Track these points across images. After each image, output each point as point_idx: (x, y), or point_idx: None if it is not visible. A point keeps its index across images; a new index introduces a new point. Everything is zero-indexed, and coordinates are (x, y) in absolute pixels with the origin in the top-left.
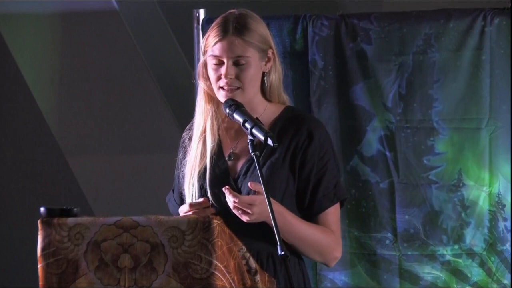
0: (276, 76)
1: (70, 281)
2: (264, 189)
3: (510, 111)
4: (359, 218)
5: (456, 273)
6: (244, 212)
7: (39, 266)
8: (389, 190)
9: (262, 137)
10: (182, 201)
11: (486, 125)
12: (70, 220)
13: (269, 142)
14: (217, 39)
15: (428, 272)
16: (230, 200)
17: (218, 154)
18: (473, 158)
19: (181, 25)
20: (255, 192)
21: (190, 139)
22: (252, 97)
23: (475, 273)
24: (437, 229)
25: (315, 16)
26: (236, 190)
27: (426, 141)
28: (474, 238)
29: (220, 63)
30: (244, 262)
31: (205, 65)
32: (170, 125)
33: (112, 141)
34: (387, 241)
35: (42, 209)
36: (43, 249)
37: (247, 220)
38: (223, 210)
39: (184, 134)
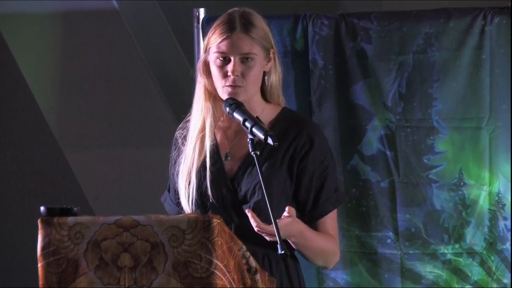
0: (276, 77)
1: (70, 280)
2: (264, 188)
3: (510, 110)
4: (360, 217)
5: (457, 272)
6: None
7: (39, 265)
8: (389, 189)
9: (262, 136)
10: (178, 200)
11: (486, 124)
12: (70, 219)
13: (269, 141)
14: (224, 36)
15: (430, 271)
16: (253, 223)
17: (215, 154)
18: (473, 157)
19: (181, 25)
20: (253, 193)
21: (184, 138)
22: (253, 96)
23: (476, 272)
24: (438, 228)
25: (315, 15)
26: (232, 189)
27: (426, 140)
28: (474, 237)
29: (226, 60)
30: (244, 261)
31: (206, 62)
32: (170, 124)
33: (112, 140)
34: (389, 240)
35: (42, 208)
36: (43, 248)
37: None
38: (221, 210)
39: (177, 133)
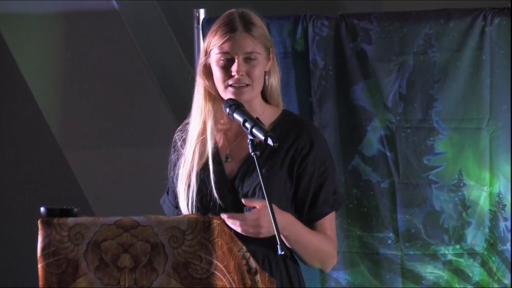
0: (275, 77)
1: (70, 281)
2: (264, 189)
3: (510, 111)
4: (361, 217)
5: (458, 272)
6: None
7: (39, 266)
8: (390, 190)
9: (262, 137)
10: (177, 203)
11: (487, 125)
12: (70, 220)
13: (269, 142)
14: (227, 37)
15: (431, 271)
16: (236, 224)
17: (215, 155)
18: (473, 158)
19: (181, 25)
20: (254, 195)
21: (183, 140)
22: (255, 96)
23: (476, 273)
24: (438, 229)
25: (315, 16)
26: (233, 191)
27: (426, 141)
28: (475, 238)
29: (229, 61)
30: (244, 262)
31: (206, 64)
32: (170, 124)
33: (112, 141)
34: (389, 241)
35: (42, 209)
36: (43, 249)
37: (261, 235)
38: (221, 212)
39: (175, 135)
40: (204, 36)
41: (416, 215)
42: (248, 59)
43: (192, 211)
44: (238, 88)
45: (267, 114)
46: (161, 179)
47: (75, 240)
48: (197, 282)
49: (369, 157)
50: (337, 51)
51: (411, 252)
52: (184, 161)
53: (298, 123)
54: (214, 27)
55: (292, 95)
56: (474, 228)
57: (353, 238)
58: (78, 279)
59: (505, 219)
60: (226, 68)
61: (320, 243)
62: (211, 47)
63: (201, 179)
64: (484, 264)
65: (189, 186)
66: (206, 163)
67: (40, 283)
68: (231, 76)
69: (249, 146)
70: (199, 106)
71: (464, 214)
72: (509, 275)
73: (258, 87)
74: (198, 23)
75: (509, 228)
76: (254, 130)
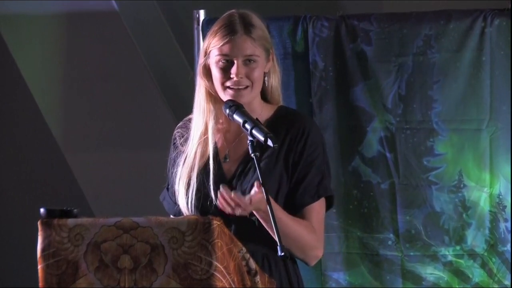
0: (275, 78)
1: (70, 282)
2: (265, 191)
3: (510, 111)
4: (361, 218)
5: (458, 273)
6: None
7: (39, 267)
8: (390, 191)
9: (262, 138)
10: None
11: (487, 126)
12: (70, 221)
13: (269, 143)
14: (227, 39)
15: (431, 272)
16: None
17: (214, 155)
18: (473, 159)
19: (181, 26)
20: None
21: (183, 138)
22: (255, 96)
23: (477, 274)
24: (438, 230)
25: (315, 17)
26: (231, 190)
27: (426, 142)
28: (475, 239)
29: (229, 63)
30: (244, 263)
31: (206, 65)
32: (170, 125)
33: (112, 141)
34: (390, 242)
35: (42, 210)
36: (43, 250)
37: (240, 212)
38: (219, 212)
39: (175, 132)
40: (204, 37)
41: (416, 216)
42: (247, 61)
43: (191, 210)
44: (237, 90)
45: (265, 113)
46: (161, 180)
47: (75, 241)
48: (197, 283)
49: (369, 158)
50: (337, 52)
51: (412, 253)
52: (185, 160)
53: (290, 115)
54: (214, 27)
55: (292, 96)
56: (474, 229)
57: (353, 239)
58: (78, 280)
59: (505, 220)
60: (225, 70)
61: (299, 229)
62: (210, 48)
63: (201, 179)
64: (484, 265)
65: (189, 185)
66: (206, 163)
67: (40, 284)
68: (230, 78)
69: (249, 147)
70: (201, 107)
71: (464, 215)
72: (510, 276)
73: (257, 89)
74: (198, 24)
75: (509, 229)
76: (254, 131)
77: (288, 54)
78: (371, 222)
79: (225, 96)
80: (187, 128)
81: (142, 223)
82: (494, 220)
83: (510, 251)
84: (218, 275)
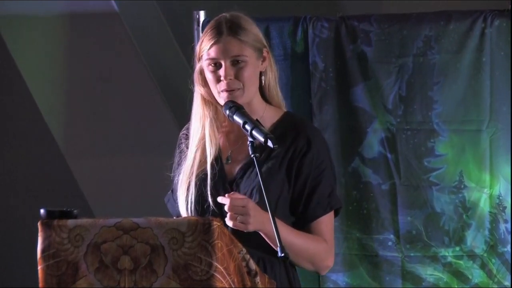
0: (272, 75)
1: (70, 283)
2: (264, 190)
3: (510, 112)
4: (361, 219)
5: (457, 274)
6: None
7: (39, 267)
8: (390, 191)
9: (262, 139)
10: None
11: (487, 127)
12: (70, 222)
13: (269, 143)
14: (212, 42)
15: (431, 273)
16: (225, 202)
17: (216, 157)
18: (473, 160)
19: (181, 26)
20: (251, 197)
21: (188, 141)
22: (252, 97)
23: (476, 275)
24: (438, 231)
25: (315, 18)
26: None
27: (427, 143)
28: (475, 240)
29: (217, 66)
30: (244, 264)
31: (201, 71)
32: (169, 125)
33: (112, 142)
34: (390, 243)
35: (42, 210)
36: (43, 251)
37: (245, 228)
38: (220, 214)
39: (181, 135)
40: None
41: (417, 216)
42: (235, 62)
43: (190, 213)
44: (230, 92)
45: (268, 115)
46: (160, 180)
47: (75, 242)
48: (197, 283)
49: (369, 159)
50: (337, 53)
51: (412, 254)
52: (185, 166)
53: (297, 124)
54: (203, 32)
55: (292, 97)
56: (474, 230)
57: (352, 240)
58: (78, 281)
59: (505, 221)
60: (215, 73)
61: (307, 242)
62: (201, 53)
63: (200, 183)
64: (484, 266)
65: (188, 189)
66: (205, 168)
67: (40, 284)
68: (221, 81)
69: (249, 148)
70: (198, 113)
71: (464, 216)
72: (509, 277)
73: (250, 90)
74: (198, 25)
75: (509, 230)
76: (254, 132)
77: (288, 55)
78: (370, 223)
79: (220, 99)
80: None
81: (142, 224)
82: (494, 221)
83: (510, 252)
84: (218, 276)
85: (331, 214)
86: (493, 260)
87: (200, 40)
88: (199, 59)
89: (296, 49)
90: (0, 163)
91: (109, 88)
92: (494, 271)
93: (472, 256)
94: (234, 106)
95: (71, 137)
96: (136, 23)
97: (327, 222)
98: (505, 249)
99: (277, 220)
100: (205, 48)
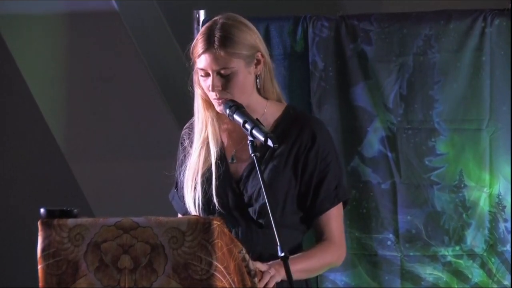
0: (267, 75)
1: (70, 282)
2: (264, 189)
3: (510, 112)
4: (360, 219)
5: (457, 274)
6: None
7: (39, 267)
8: (391, 191)
9: (262, 138)
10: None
11: (487, 126)
12: (70, 221)
13: (269, 143)
14: (200, 52)
15: (430, 273)
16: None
17: (220, 157)
18: (473, 159)
19: (181, 26)
20: (258, 196)
21: (190, 139)
22: (247, 101)
23: (476, 274)
24: (439, 230)
25: (315, 17)
26: (238, 192)
27: (427, 142)
28: (475, 239)
29: (206, 75)
30: (244, 263)
31: (197, 72)
32: (169, 125)
33: (112, 141)
34: (389, 242)
35: (42, 210)
36: (43, 250)
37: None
38: (227, 214)
39: (183, 132)
40: None
41: (418, 216)
42: (222, 73)
43: (199, 213)
44: (220, 102)
45: (270, 112)
46: (160, 181)
47: (75, 241)
48: (197, 283)
49: (369, 158)
50: (337, 52)
51: (411, 253)
52: (189, 165)
53: (300, 118)
54: (197, 35)
55: (291, 96)
56: (474, 229)
57: (352, 240)
58: (78, 280)
59: (505, 220)
60: (205, 81)
61: (320, 260)
62: (193, 58)
63: (206, 182)
64: (483, 266)
65: (195, 188)
66: (210, 167)
67: (40, 284)
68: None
69: (249, 147)
70: (199, 114)
71: (464, 215)
72: (509, 276)
73: (241, 97)
74: (198, 24)
75: (509, 229)
76: (254, 131)
77: (287, 54)
78: (370, 223)
79: (214, 105)
80: (193, 128)
81: (142, 223)
82: (494, 220)
83: (509, 251)
84: (218, 275)
85: (340, 206)
86: (493, 260)
87: (194, 44)
88: (194, 62)
89: (296, 48)
90: (0, 163)
91: (109, 87)
92: (494, 271)
93: (471, 255)
94: (234, 105)
95: (71, 136)
96: (136, 23)
97: (335, 214)
98: (505, 248)
99: (294, 263)
100: (196, 54)
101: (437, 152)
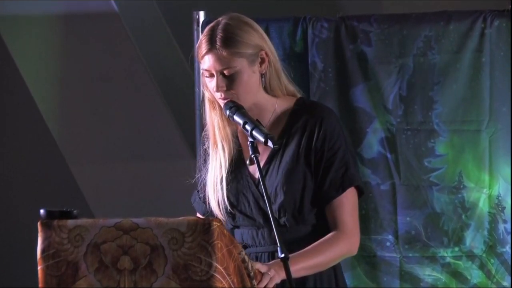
0: (272, 71)
1: (70, 283)
2: (264, 188)
3: (510, 113)
4: (359, 220)
5: (456, 275)
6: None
7: (39, 268)
8: (390, 192)
9: (262, 139)
10: (204, 197)
11: (486, 127)
12: (70, 222)
13: (269, 144)
14: (203, 52)
15: (429, 274)
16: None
17: (238, 159)
18: (473, 160)
19: (181, 27)
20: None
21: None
22: (253, 100)
23: (475, 275)
24: (438, 231)
25: (315, 18)
26: (258, 194)
27: (427, 143)
28: (474, 240)
29: (211, 76)
30: (244, 265)
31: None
32: (169, 126)
33: (112, 142)
34: (388, 243)
35: (42, 211)
36: (43, 251)
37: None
38: (251, 216)
39: (203, 134)
40: None
41: (417, 217)
42: (226, 73)
43: (224, 215)
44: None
45: (281, 108)
46: (160, 181)
47: (75, 242)
48: (197, 284)
49: (368, 159)
50: (337, 53)
51: (410, 255)
52: (209, 167)
53: (308, 108)
54: (201, 35)
55: None
56: (473, 230)
57: None
58: (78, 281)
59: (504, 221)
60: (210, 82)
61: (327, 258)
62: (198, 59)
63: (228, 184)
64: (482, 267)
65: (217, 191)
66: (231, 167)
67: (40, 285)
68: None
69: (249, 148)
70: (210, 117)
71: (463, 216)
72: (509, 277)
73: (246, 96)
74: (198, 25)
75: (509, 230)
76: (254, 132)
77: (287, 55)
78: (369, 224)
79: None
80: None
81: (142, 224)
82: (493, 221)
83: (509, 252)
84: (218, 276)
85: (349, 194)
86: (492, 261)
87: (197, 45)
88: (200, 64)
89: (295, 49)
90: (0, 163)
91: (109, 88)
92: (493, 272)
93: (471, 256)
94: (234, 106)
95: (71, 137)
96: (136, 23)
97: (344, 202)
98: (504, 250)
99: (296, 262)
100: (199, 56)
101: (436, 153)
